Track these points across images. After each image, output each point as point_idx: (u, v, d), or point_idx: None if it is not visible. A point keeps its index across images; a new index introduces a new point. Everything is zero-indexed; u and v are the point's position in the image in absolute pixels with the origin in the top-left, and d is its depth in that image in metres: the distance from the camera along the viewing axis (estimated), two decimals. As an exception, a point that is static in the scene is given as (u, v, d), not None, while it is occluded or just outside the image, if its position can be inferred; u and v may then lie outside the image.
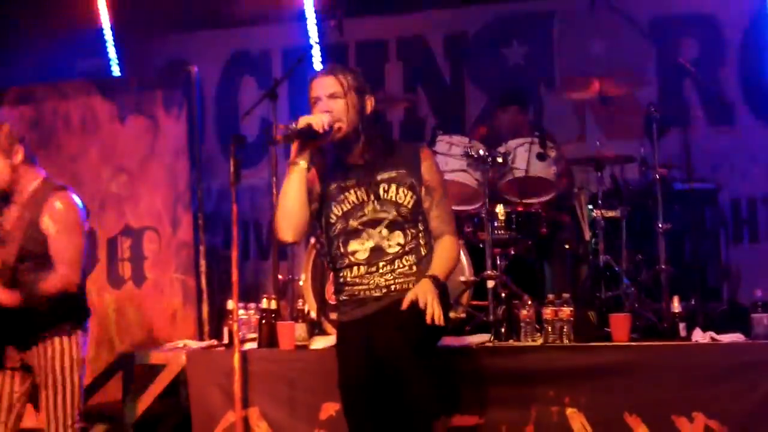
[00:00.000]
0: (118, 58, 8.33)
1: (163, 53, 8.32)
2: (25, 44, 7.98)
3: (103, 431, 5.71)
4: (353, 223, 3.98)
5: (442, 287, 3.85)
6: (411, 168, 4.01)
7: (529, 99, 7.01)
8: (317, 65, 7.77)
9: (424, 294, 3.74)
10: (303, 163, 3.89)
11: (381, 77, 8.07)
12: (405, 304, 3.75)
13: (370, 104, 4.03)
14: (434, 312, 3.70)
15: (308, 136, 3.86)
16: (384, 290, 3.93)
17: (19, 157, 4.32)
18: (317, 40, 7.78)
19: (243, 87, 8.26)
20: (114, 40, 8.29)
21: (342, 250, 4.01)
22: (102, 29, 8.28)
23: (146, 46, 8.33)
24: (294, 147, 3.90)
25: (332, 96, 3.94)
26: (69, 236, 4.30)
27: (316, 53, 7.80)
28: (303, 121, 3.86)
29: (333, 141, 3.96)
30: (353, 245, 3.98)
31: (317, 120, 3.85)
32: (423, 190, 4.01)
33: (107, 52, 8.30)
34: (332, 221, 4.01)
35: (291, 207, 3.92)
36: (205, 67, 7.63)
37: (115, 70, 8.34)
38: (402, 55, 8.12)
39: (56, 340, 4.34)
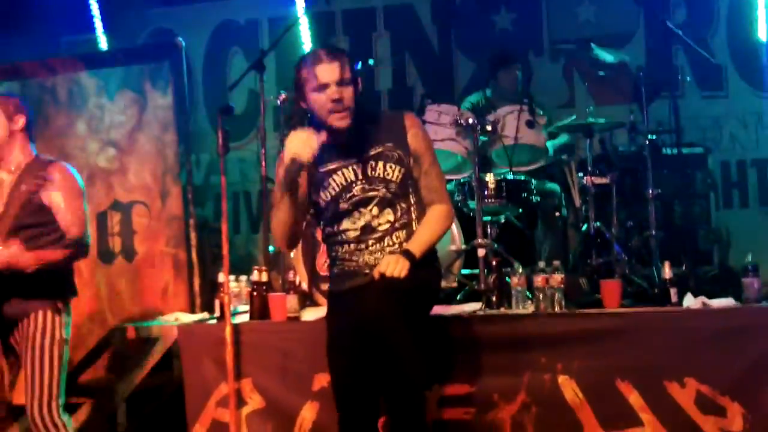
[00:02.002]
0: (105, 32, 8.29)
1: (149, 26, 8.28)
2: (12, 19, 7.92)
3: (95, 405, 5.71)
4: (343, 204, 3.96)
5: (414, 259, 3.83)
6: (397, 139, 3.98)
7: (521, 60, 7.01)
8: (305, 35, 7.74)
9: (387, 265, 3.77)
10: (294, 191, 3.90)
11: (369, 46, 8.04)
12: (376, 275, 3.78)
13: (360, 84, 3.99)
14: (393, 272, 3.74)
15: (299, 168, 3.82)
16: (373, 268, 3.90)
17: (20, 124, 4.53)
18: (304, 9, 7.73)
19: (230, 57, 8.21)
20: (100, 14, 8.24)
21: (334, 229, 4.01)
22: (88, 3, 8.24)
23: (132, 19, 8.28)
24: (283, 177, 3.87)
25: (342, 83, 3.87)
26: (73, 201, 4.45)
27: (304, 23, 7.76)
28: (289, 156, 3.78)
29: (337, 131, 3.91)
30: (345, 224, 3.98)
31: (305, 152, 3.77)
32: (411, 159, 3.99)
33: (94, 27, 8.26)
34: (322, 206, 4.00)
35: (285, 229, 3.98)
36: (192, 38, 7.60)
37: (102, 45, 8.29)
38: (390, 24, 8.08)
39: (40, 315, 4.41)
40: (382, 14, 8.09)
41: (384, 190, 3.94)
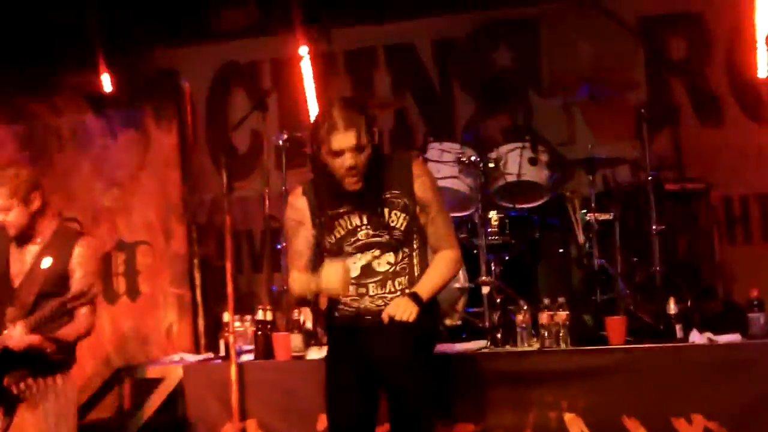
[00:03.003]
0: (109, 72, 8.30)
1: (152, 66, 8.29)
2: (13, 56, 7.94)
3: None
4: (347, 248, 3.97)
5: (422, 303, 3.84)
6: (403, 187, 3.96)
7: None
8: (306, 75, 7.77)
9: (396, 309, 3.79)
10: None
11: (370, 85, 8.06)
12: (385, 319, 3.80)
13: (377, 135, 3.94)
14: (403, 315, 3.76)
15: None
16: (376, 316, 3.91)
17: (36, 204, 4.47)
18: (306, 51, 7.75)
19: (233, 98, 8.23)
20: (104, 54, 8.27)
21: None
22: (92, 43, 8.26)
23: (136, 59, 8.31)
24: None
25: (355, 149, 3.82)
26: (92, 281, 4.39)
27: (305, 63, 7.78)
28: (326, 290, 3.84)
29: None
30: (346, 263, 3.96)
31: (341, 288, 3.78)
32: (417, 207, 3.98)
33: (97, 67, 8.28)
34: (326, 246, 4.00)
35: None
36: (195, 78, 7.64)
37: (106, 85, 8.31)
38: (390, 62, 8.10)
39: (62, 374, 4.47)
40: (383, 53, 8.12)
41: (388, 236, 3.94)
